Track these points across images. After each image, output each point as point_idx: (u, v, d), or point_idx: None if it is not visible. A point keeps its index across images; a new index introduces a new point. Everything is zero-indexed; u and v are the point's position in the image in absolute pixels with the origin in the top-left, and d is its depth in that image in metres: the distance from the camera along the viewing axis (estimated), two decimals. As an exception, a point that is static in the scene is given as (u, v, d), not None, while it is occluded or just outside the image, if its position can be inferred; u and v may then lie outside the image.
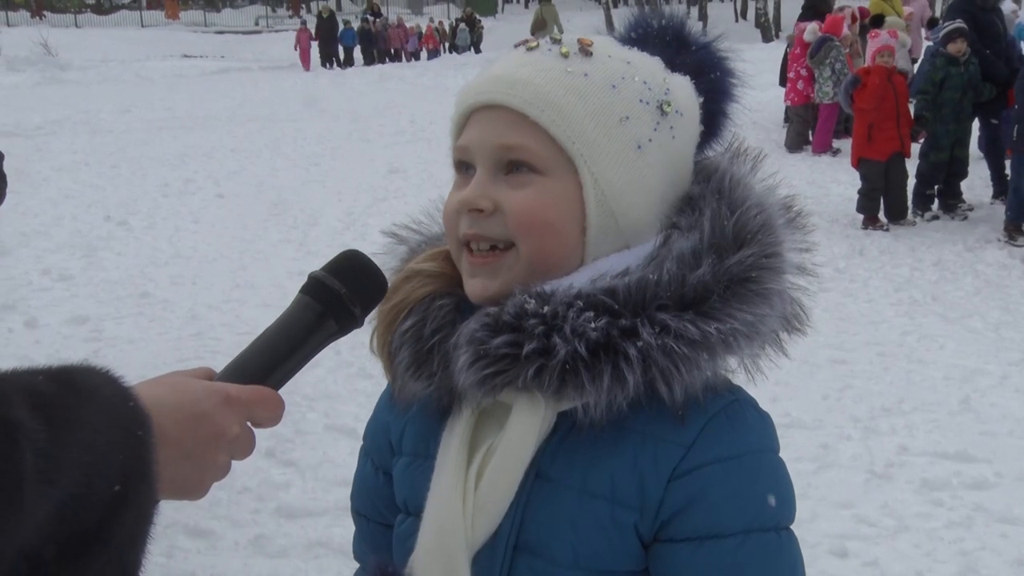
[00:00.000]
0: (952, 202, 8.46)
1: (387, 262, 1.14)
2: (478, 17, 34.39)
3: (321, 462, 4.14)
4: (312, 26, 29.00)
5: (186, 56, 29.37)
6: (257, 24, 44.88)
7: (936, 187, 8.51)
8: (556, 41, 1.07)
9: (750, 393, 1.07)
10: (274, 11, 44.85)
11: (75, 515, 0.68)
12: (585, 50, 1.06)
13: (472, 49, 31.40)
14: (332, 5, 41.94)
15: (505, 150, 1.03)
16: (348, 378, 4.99)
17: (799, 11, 12.42)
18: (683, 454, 1.00)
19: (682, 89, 1.10)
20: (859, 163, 8.18)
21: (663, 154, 1.06)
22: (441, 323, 1.07)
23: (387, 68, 24.34)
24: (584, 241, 1.04)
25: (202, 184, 10.22)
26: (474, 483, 1.03)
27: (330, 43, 28.09)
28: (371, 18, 30.64)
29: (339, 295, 0.94)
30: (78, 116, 14.92)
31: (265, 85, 20.13)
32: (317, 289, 0.95)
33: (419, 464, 1.11)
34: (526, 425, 1.01)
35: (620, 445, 1.01)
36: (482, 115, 1.05)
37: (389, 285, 1.10)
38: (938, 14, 15.50)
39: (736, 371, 1.04)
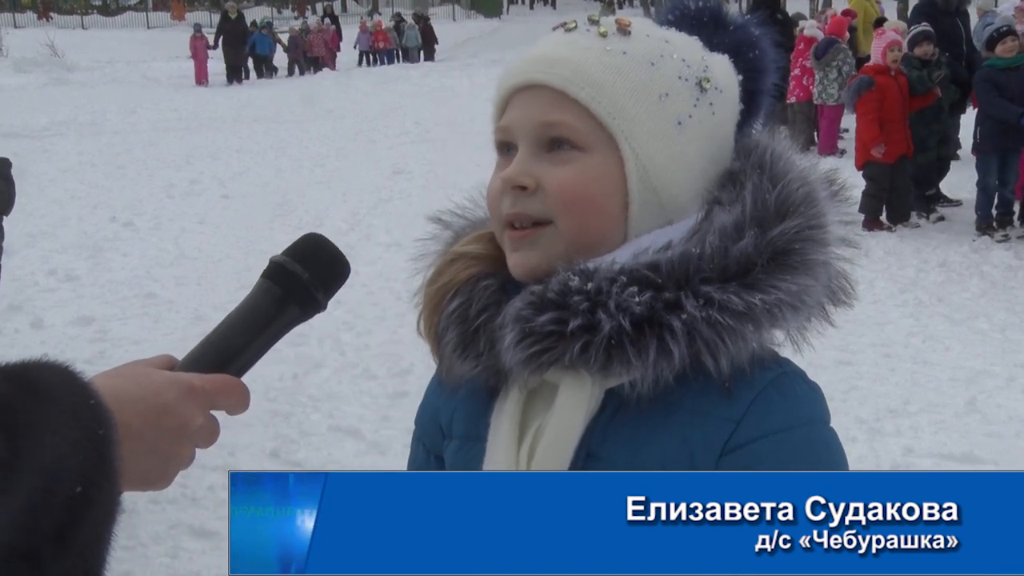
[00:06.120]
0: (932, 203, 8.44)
1: (432, 247, 1.14)
2: (429, 18, 29.29)
3: (325, 463, 4.13)
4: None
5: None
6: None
7: (937, 187, 8.46)
8: (594, 22, 1.08)
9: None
10: (279, 12, 44.85)
11: (35, 520, 0.67)
12: (623, 30, 1.07)
13: (421, 54, 26.73)
14: (337, 7, 41.94)
15: (546, 127, 1.04)
16: (353, 379, 4.98)
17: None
18: (733, 429, 0.99)
19: (720, 67, 1.10)
20: (864, 165, 8.13)
21: (703, 130, 1.06)
22: (486, 303, 1.07)
23: (391, 69, 23.89)
24: (626, 217, 1.04)
25: (207, 185, 10.23)
26: (526, 464, 1.03)
27: (237, 51, 22.21)
28: (326, 20, 26.99)
29: (301, 279, 0.93)
30: (84, 117, 14.96)
31: (270, 86, 20.14)
32: (278, 274, 0.93)
33: (470, 447, 1.11)
34: (574, 404, 1.00)
35: (669, 422, 1.00)
36: (523, 95, 1.06)
37: (435, 269, 1.11)
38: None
39: (783, 344, 1.04)
